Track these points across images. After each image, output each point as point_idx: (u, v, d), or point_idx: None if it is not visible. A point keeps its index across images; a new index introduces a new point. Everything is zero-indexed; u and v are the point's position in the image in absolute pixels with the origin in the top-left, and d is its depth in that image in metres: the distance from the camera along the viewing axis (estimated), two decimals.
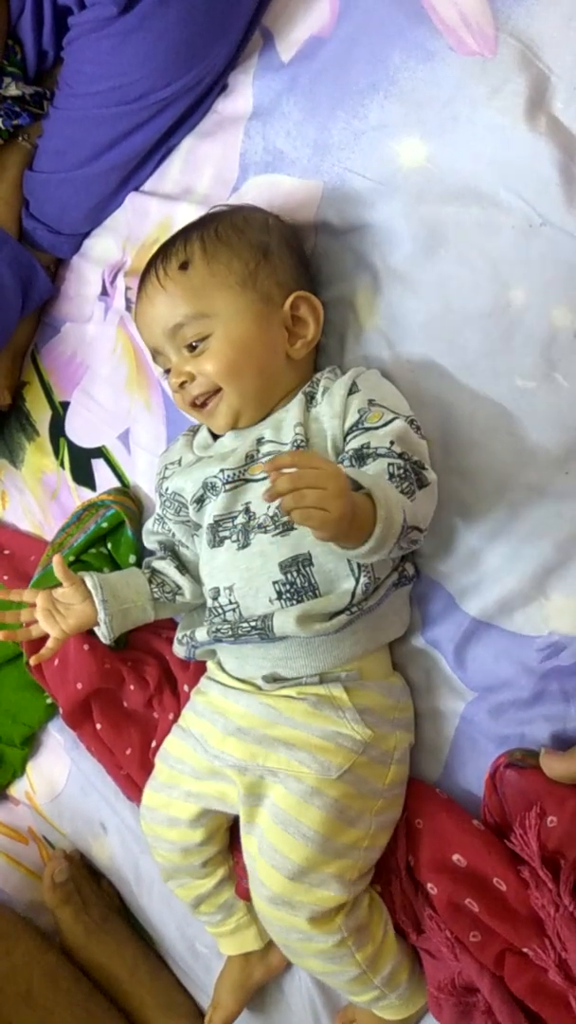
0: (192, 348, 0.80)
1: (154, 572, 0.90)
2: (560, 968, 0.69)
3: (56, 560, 0.85)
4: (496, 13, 0.76)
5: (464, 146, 0.79)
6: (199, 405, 0.82)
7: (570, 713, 0.75)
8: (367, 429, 0.72)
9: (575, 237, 0.73)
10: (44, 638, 1.00)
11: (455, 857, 0.76)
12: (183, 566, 0.89)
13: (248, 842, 0.79)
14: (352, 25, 0.85)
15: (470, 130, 0.78)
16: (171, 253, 0.82)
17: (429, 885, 0.76)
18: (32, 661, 0.89)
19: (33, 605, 0.87)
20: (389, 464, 0.68)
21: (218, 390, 0.80)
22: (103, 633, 0.87)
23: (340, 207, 0.86)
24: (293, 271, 0.83)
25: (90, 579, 0.87)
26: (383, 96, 0.83)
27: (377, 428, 0.72)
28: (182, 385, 0.81)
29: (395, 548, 0.65)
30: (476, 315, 0.78)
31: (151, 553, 0.94)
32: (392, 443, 0.69)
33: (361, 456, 0.70)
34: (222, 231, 0.81)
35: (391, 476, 0.67)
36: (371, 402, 0.75)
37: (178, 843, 0.86)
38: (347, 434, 0.75)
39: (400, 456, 0.69)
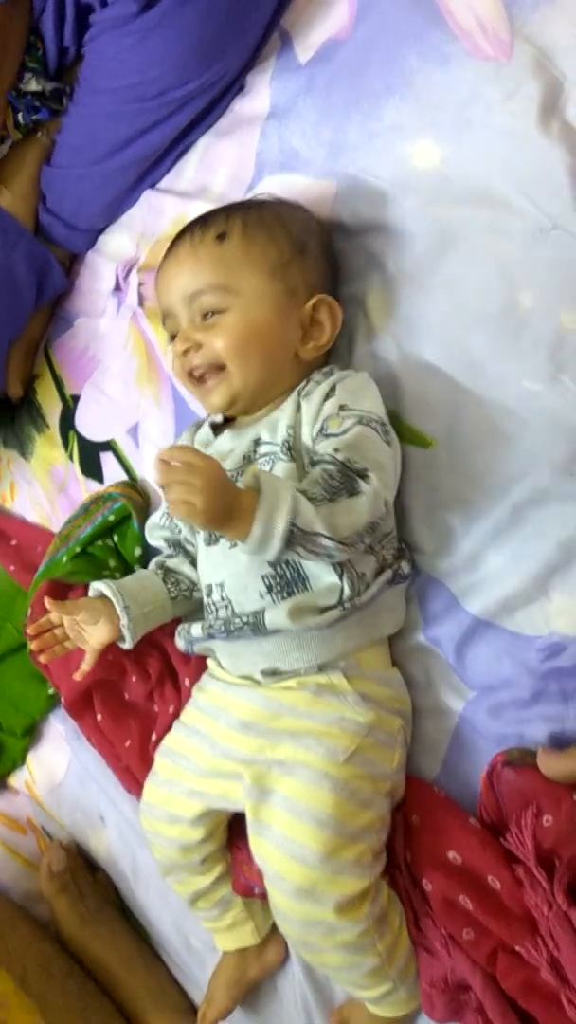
0: (206, 318, 0.80)
1: (167, 571, 0.91)
2: (552, 967, 0.69)
3: (50, 604, 0.87)
4: (512, 19, 0.77)
5: (477, 150, 0.79)
6: (196, 377, 0.82)
7: (569, 714, 0.75)
8: (327, 436, 0.74)
9: None
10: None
11: (451, 854, 0.76)
12: (194, 561, 0.90)
13: (258, 844, 0.78)
14: (369, 28, 0.86)
15: (484, 134, 0.79)
16: (211, 223, 0.82)
17: (424, 881, 0.76)
18: (76, 676, 0.91)
19: (60, 625, 0.89)
20: (322, 470, 0.69)
21: (221, 368, 0.80)
22: (127, 640, 0.87)
23: (353, 207, 0.87)
24: (323, 276, 0.84)
25: (108, 588, 0.88)
26: (398, 99, 0.84)
27: (336, 435, 0.72)
28: (186, 352, 0.81)
29: (299, 550, 0.66)
30: (485, 317, 0.79)
31: (155, 548, 0.95)
32: (336, 450, 0.70)
33: (313, 463, 0.72)
34: (267, 216, 0.82)
35: (316, 481, 0.69)
36: (342, 407, 0.75)
37: (178, 840, 0.86)
38: (314, 439, 0.76)
39: (341, 464, 0.69)
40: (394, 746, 0.79)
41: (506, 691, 0.78)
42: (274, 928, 0.89)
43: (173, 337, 0.85)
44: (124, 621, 0.86)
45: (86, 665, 0.90)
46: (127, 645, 0.88)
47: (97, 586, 0.89)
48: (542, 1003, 0.70)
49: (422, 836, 0.78)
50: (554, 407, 0.76)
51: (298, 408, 0.80)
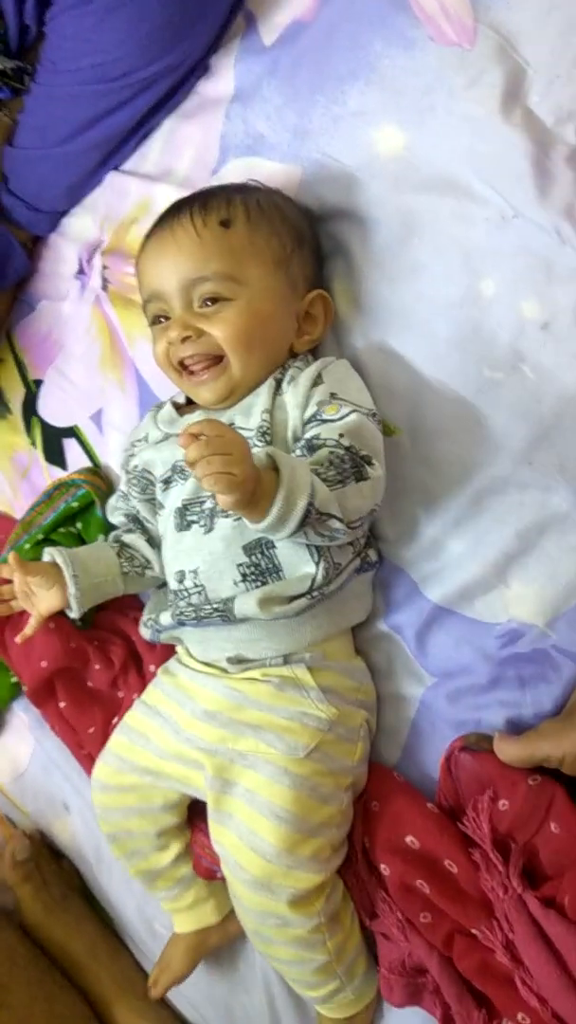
0: (206, 306, 0.77)
1: (123, 546, 0.90)
2: (507, 949, 0.70)
3: (12, 557, 0.85)
4: (475, 4, 0.77)
5: (441, 136, 0.79)
6: (186, 367, 0.80)
7: (525, 699, 0.76)
8: (323, 421, 0.72)
9: (546, 230, 0.74)
10: (10, 617, 1.01)
11: (408, 839, 0.77)
12: (152, 540, 0.90)
13: (219, 832, 0.78)
14: (334, 11, 0.85)
15: (447, 120, 0.79)
16: (211, 206, 0.79)
17: (382, 866, 0.77)
18: (18, 639, 0.90)
19: (9, 581, 0.87)
20: (330, 452, 0.68)
21: (219, 359, 0.78)
22: (73, 608, 0.86)
23: (319, 192, 0.87)
24: (316, 268, 0.84)
25: (60, 555, 0.87)
26: (363, 83, 0.83)
27: (333, 421, 0.72)
28: (184, 340, 0.78)
29: (309, 532, 0.65)
30: (447, 305, 0.79)
31: (117, 529, 0.94)
32: (341, 435, 0.69)
33: (312, 447, 0.71)
34: (265, 205, 0.80)
35: (328, 463, 0.67)
36: (333, 395, 0.75)
37: (134, 807, 0.85)
38: (305, 424, 0.75)
39: (347, 449, 0.69)
40: (356, 740, 0.79)
41: (465, 677, 0.79)
42: None
43: (156, 320, 0.82)
44: (72, 590, 0.85)
45: (29, 629, 0.89)
46: (73, 614, 0.87)
47: (50, 551, 0.87)
48: (497, 984, 0.71)
49: (380, 822, 0.79)
50: (514, 396, 0.77)
51: (274, 394, 0.79)
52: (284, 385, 0.79)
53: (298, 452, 0.72)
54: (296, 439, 0.76)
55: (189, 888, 0.89)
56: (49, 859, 1.12)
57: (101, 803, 0.88)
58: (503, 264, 0.77)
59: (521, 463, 0.76)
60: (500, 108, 0.76)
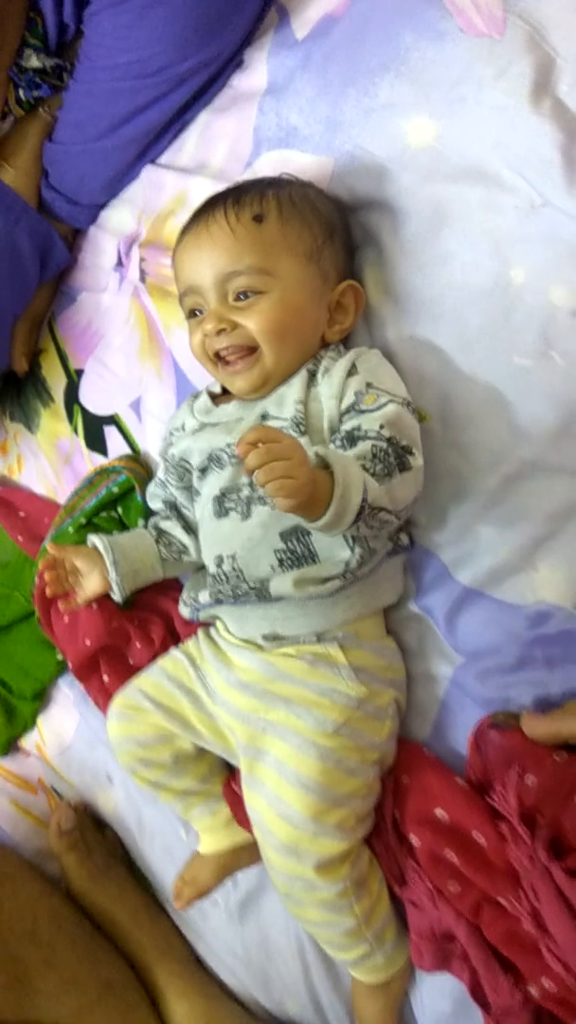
0: (240, 299, 0.80)
1: (161, 532, 0.94)
2: (533, 918, 0.72)
3: (50, 546, 0.90)
4: None
5: (470, 126, 0.80)
6: (221, 358, 0.82)
7: (552, 679, 0.78)
8: (362, 412, 0.74)
9: (574, 218, 0.75)
10: (55, 599, 1.05)
11: (438, 811, 0.79)
12: (188, 526, 0.93)
13: (251, 797, 0.82)
14: (365, 4, 0.86)
15: (477, 111, 0.80)
16: (244, 201, 0.81)
17: (412, 837, 0.80)
18: (61, 607, 0.95)
19: (45, 569, 0.93)
20: (373, 445, 0.70)
21: (253, 350, 0.81)
22: (115, 592, 0.92)
23: (350, 183, 0.88)
24: (347, 259, 0.86)
25: (101, 542, 0.92)
26: (393, 75, 0.84)
27: (372, 411, 0.74)
28: (219, 332, 0.80)
29: (360, 526, 0.67)
30: (477, 293, 0.81)
31: (156, 514, 0.98)
32: (382, 427, 0.71)
33: (352, 438, 0.73)
34: (297, 199, 0.82)
35: (372, 457, 0.69)
36: (369, 385, 0.77)
37: (151, 737, 0.88)
38: (343, 415, 0.77)
39: (388, 440, 0.71)
40: (384, 718, 0.82)
41: (493, 658, 0.81)
42: None
43: (192, 313, 0.84)
44: (113, 575, 0.91)
45: (73, 604, 0.95)
46: (117, 598, 0.93)
47: (92, 539, 0.93)
48: (523, 952, 0.73)
49: (411, 795, 0.81)
50: (543, 382, 0.78)
51: (308, 384, 0.81)
52: (318, 376, 0.81)
53: (337, 443, 0.75)
54: (332, 430, 0.78)
55: (223, 806, 0.92)
56: (93, 829, 1.17)
57: (118, 733, 0.90)
58: (532, 252, 0.78)
59: (550, 448, 0.78)
60: (529, 98, 0.77)
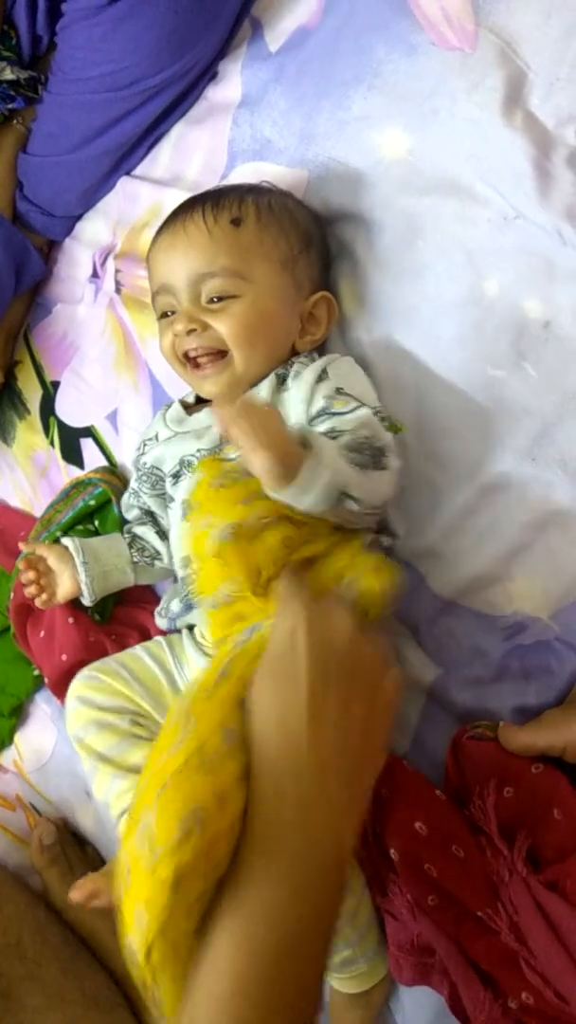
0: (212, 302, 0.79)
1: (135, 537, 0.94)
2: (511, 931, 0.72)
3: (25, 546, 0.90)
4: (477, 9, 0.78)
5: (444, 139, 0.81)
6: (191, 360, 0.81)
7: (529, 690, 0.78)
8: (333, 414, 0.74)
9: (547, 231, 0.76)
10: (30, 606, 1.04)
11: (417, 825, 0.79)
12: (163, 532, 0.93)
13: None
14: (338, 17, 0.86)
15: (450, 124, 0.80)
16: (223, 204, 0.81)
17: (392, 851, 0.79)
18: (39, 603, 0.93)
19: (26, 568, 0.92)
20: (351, 439, 0.70)
21: (223, 354, 0.80)
22: (85, 595, 0.91)
23: (325, 196, 0.88)
24: (322, 271, 0.86)
25: (72, 543, 0.92)
26: (367, 88, 0.85)
27: (344, 414, 0.74)
28: (189, 332, 0.79)
29: (324, 505, 0.66)
30: (451, 305, 0.81)
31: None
32: (358, 428, 0.71)
33: (331, 436, 0.72)
34: (276, 207, 0.82)
35: (348, 448, 0.69)
36: (339, 390, 0.77)
37: (115, 701, 0.84)
38: (312, 419, 0.77)
39: (365, 439, 0.71)
40: None
41: (471, 668, 0.81)
42: None
43: (164, 315, 0.84)
44: (82, 576, 0.90)
45: (52, 601, 0.93)
46: (86, 601, 0.92)
47: (64, 540, 0.93)
48: (502, 965, 0.73)
49: (390, 808, 0.80)
50: (516, 393, 0.78)
51: (277, 389, 0.81)
52: (288, 382, 0.81)
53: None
54: None
55: None
56: (74, 845, 1.16)
57: (81, 693, 0.86)
58: (505, 264, 0.78)
59: (524, 459, 0.78)
60: (501, 111, 0.77)
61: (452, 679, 0.82)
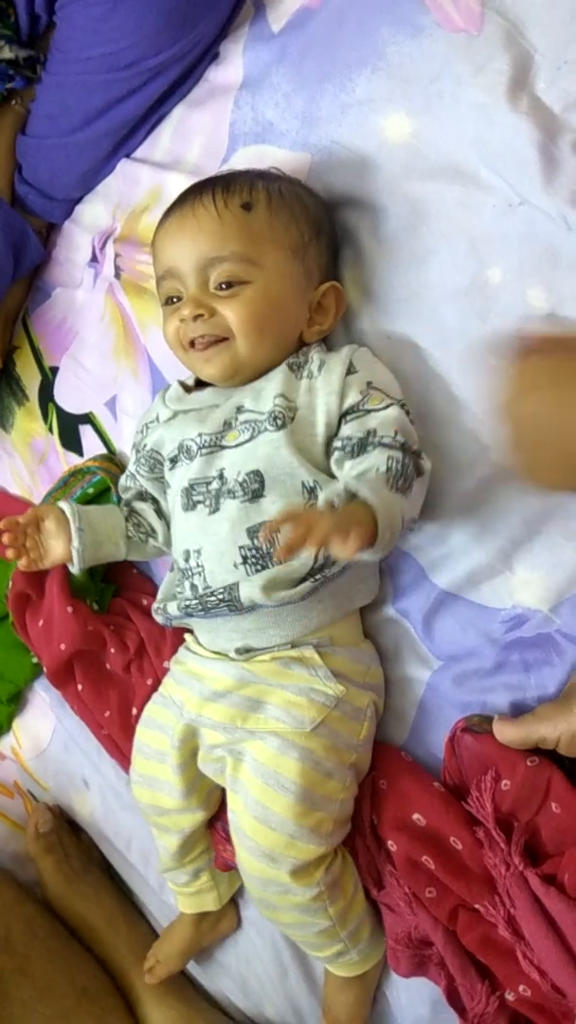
0: (221, 288, 0.77)
1: (132, 511, 0.93)
2: (509, 924, 0.72)
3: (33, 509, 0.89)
4: None
5: (448, 123, 0.79)
6: (194, 344, 0.80)
7: (529, 683, 0.77)
8: (368, 411, 0.74)
9: (552, 217, 0.74)
10: (29, 594, 1.04)
11: (415, 816, 0.79)
12: (160, 511, 0.92)
13: (233, 799, 0.81)
14: None
15: (454, 108, 0.79)
16: (234, 188, 0.79)
17: (389, 842, 0.79)
18: (21, 565, 0.90)
19: (5, 529, 0.89)
20: (389, 458, 0.70)
21: (225, 339, 0.79)
22: (75, 562, 0.89)
23: (327, 180, 0.87)
24: (331, 260, 0.85)
25: (68, 507, 0.89)
26: (371, 70, 0.83)
27: (378, 411, 0.74)
28: (196, 318, 0.78)
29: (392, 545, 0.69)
30: (454, 292, 0.80)
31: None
32: (396, 433, 0.72)
33: (363, 444, 0.73)
34: (287, 193, 0.81)
35: (389, 470, 0.69)
36: (370, 384, 0.76)
37: (166, 810, 0.88)
38: (345, 414, 0.76)
39: (402, 447, 0.71)
40: (362, 720, 0.81)
41: (470, 661, 0.80)
42: (231, 899, 0.95)
43: (169, 300, 0.82)
44: (75, 542, 0.88)
45: (41, 564, 0.91)
46: (75, 569, 0.89)
47: (61, 504, 0.90)
48: (499, 958, 0.73)
49: (388, 799, 0.81)
50: None
51: (292, 377, 0.80)
52: (312, 370, 0.79)
53: (343, 448, 0.74)
54: (330, 427, 0.77)
55: (198, 878, 0.93)
56: (69, 833, 1.16)
57: (138, 796, 0.91)
58: (509, 252, 0.77)
59: None
60: (507, 95, 0.76)
61: (452, 671, 0.82)
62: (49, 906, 1.10)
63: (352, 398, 0.76)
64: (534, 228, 0.75)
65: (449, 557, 0.81)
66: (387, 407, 0.74)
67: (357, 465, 0.71)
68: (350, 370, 0.78)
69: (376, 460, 0.70)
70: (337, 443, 0.75)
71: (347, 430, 0.75)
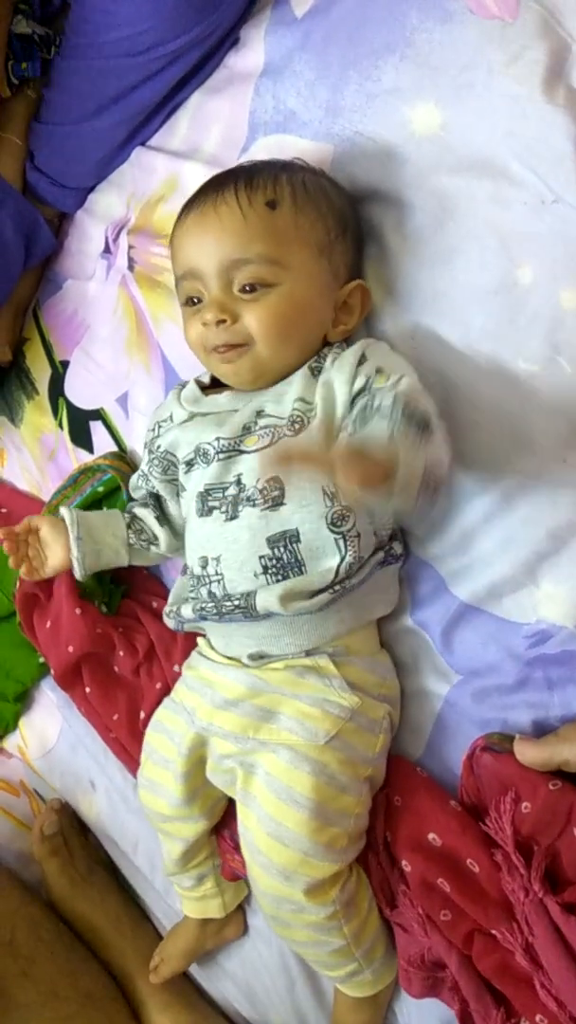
0: (246, 291, 0.74)
1: (134, 518, 0.92)
2: (527, 952, 0.69)
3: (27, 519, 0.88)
4: None
5: (479, 115, 0.76)
6: (216, 349, 0.77)
7: (552, 701, 0.75)
8: (375, 390, 0.69)
9: None
10: (37, 595, 1.02)
11: (431, 836, 0.76)
12: (164, 517, 0.90)
13: (244, 814, 0.79)
14: None
15: (486, 99, 0.75)
16: (257, 184, 0.75)
17: (404, 862, 0.77)
18: (24, 575, 0.92)
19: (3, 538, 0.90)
20: (391, 422, 0.63)
21: (246, 345, 0.76)
22: (76, 570, 0.89)
23: (351, 172, 0.84)
24: (356, 257, 0.81)
25: (68, 514, 0.89)
26: (398, 58, 0.80)
27: (383, 388, 0.68)
28: (219, 323, 0.74)
29: (421, 497, 0.63)
30: (482, 292, 0.76)
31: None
32: (396, 398, 0.65)
33: (365, 419, 0.66)
34: (312, 187, 0.77)
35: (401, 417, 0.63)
36: (379, 369, 0.72)
37: (171, 816, 0.87)
38: (355, 396, 0.72)
39: (403, 413, 0.63)
40: (377, 732, 0.78)
41: (491, 676, 0.78)
42: (238, 907, 0.93)
43: (190, 301, 0.79)
44: (74, 551, 0.88)
45: (41, 573, 0.92)
46: (77, 575, 0.90)
47: (61, 511, 0.90)
48: (515, 985, 0.71)
49: (403, 817, 0.78)
50: (549, 390, 0.74)
51: (311, 380, 0.77)
52: (327, 365, 0.77)
53: (345, 425, 0.70)
54: (346, 416, 0.73)
55: (202, 883, 0.91)
56: (77, 833, 1.14)
57: (143, 800, 0.89)
58: (541, 251, 0.74)
59: (555, 460, 0.74)
60: (542, 86, 0.72)
61: (471, 686, 0.79)
62: (54, 908, 1.09)
63: (359, 383, 0.72)
64: (567, 226, 0.72)
65: (471, 568, 0.78)
66: (396, 383, 0.68)
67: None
68: (361, 360, 0.74)
69: (376, 427, 0.64)
70: (345, 423, 0.71)
71: (353, 412, 0.70)
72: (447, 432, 0.68)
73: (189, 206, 0.79)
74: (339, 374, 0.75)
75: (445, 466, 0.68)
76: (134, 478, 0.93)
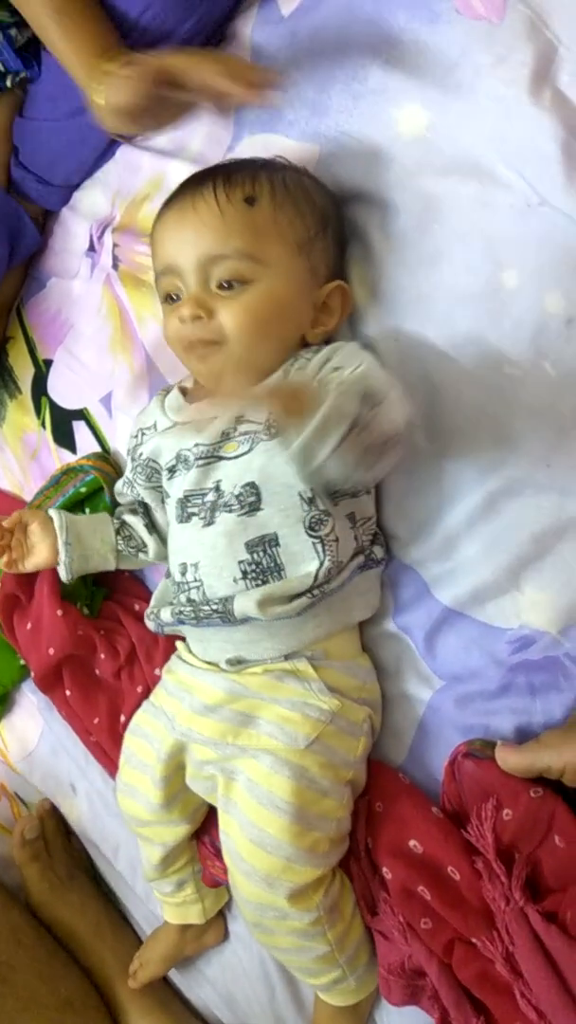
0: (223, 287, 0.74)
1: (123, 524, 0.91)
2: (507, 961, 0.69)
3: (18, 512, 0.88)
4: None
5: (465, 117, 0.75)
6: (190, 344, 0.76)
7: (535, 707, 0.74)
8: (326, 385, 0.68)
9: (573, 219, 0.71)
10: (18, 596, 1.01)
11: (411, 843, 0.76)
12: (152, 524, 0.89)
13: (225, 821, 0.78)
14: None
15: (472, 100, 0.75)
16: (235, 180, 0.75)
17: (384, 869, 0.76)
18: (3, 566, 0.91)
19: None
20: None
21: (219, 341, 0.75)
22: (62, 574, 0.89)
23: (336, 173, 0.83)
24: (338, 256, 0.81)
25: (58, 517, 0.89)
26: (384, 58, 0.79)
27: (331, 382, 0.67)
28: (195, 319, 0.74)
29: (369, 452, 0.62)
30: (467, 295, 0.76)
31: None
32: (343, 380, 0.65)
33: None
34: (291, 184, 0.77)
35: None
36: (336, 369, 0.71)
37: (149, 821, 0.86)
38: None
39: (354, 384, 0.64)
40: (358, 735, 0.78)
41: (474, 682, 0.77)
42: (218, 913, 0.93)
43: (168, 298, 0.78)
44: (62, 556, 0.88)
45: (22, 567, 0.91)
46: (64, 579, 0.90)
47: (52, 513, 0.90)
48: (496, 994, 0.70)
49: (384, 824, 0.78)
50: (534, 394, 0.74)
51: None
52: (293, 370, 0.76)
53: None
54: None
55: (182, 889, 0.90)
56: (60, 835, 1.13)
57: (121, 805, 0.88)
58: (527, 254, 0.73)
59: (539, 465, 0.74)
60: (529, 88, 0.72)
61: (454, 692, 0.78)
62: (34, 913, 1.08)
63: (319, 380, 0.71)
64: (553, 230, 0.72)
65: (454, 573, 0.78)
66: (352, 370, 0.68)
67: None
68: (324, 363, 0.74)
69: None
70: None
71: None
72: (406, 394, 0.67)
73: (169, 203, 0.78)
74: (298, 376, 0.74)
75: (398, 424, 0.65)
76: (119, 484, 0.92)
